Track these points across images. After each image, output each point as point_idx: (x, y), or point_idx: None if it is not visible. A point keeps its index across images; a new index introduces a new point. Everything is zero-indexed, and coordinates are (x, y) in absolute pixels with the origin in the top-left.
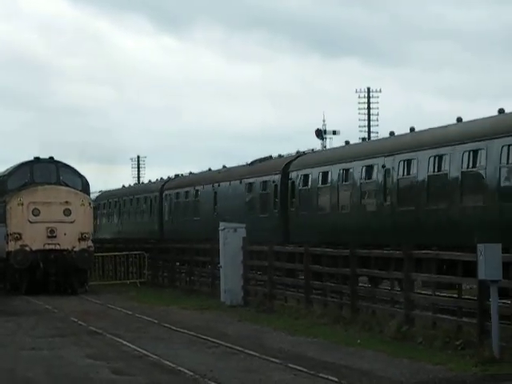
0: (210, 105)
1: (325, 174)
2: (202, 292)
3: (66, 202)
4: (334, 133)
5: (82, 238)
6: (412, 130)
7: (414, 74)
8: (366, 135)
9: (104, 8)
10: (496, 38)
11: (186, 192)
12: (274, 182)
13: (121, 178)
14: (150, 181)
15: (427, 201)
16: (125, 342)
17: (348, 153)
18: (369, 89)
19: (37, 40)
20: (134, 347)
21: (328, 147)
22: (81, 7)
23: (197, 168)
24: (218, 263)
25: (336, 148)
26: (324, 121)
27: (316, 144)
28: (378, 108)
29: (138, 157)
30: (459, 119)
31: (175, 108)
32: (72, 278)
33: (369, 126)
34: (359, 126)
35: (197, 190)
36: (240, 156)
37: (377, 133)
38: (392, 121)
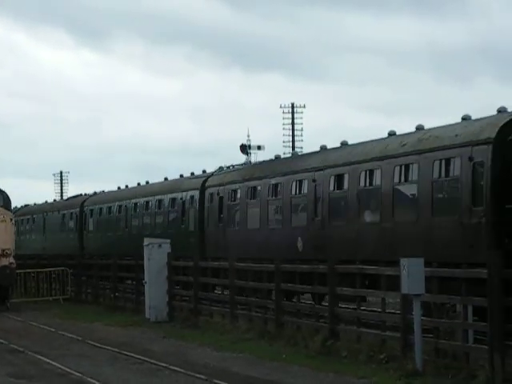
0: (132, 119)
1: (254, 189)
2: (127, 308)
3: None
4: (259, 148)
5: (2, 255)
6: (344, 144)
7: (337, 89)
8: (290, 150)
9: (19, 21)
10: (418, 52)
11: (109, 207)
12: (192, 197)
13: (44, 193)
14: (68, 197)
15: (358, 215)
16: (47, 360)
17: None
18: (293, 104)
19: None
20: (57, 365)
21: (253, 161)
22: None
23: (122, 182)
24: (143, 279)
25: (262, 162)
26: (248, 136)
27: (241, 159)
28: (302, 123)
29: (61, 172)
30: (392, 133)
31: (96, 122)
32: None
33: (293, 141)
34: (283, 142)
35: (120, 206)
36: (165, 170)
37: (301, 148)
38: (316, 136)
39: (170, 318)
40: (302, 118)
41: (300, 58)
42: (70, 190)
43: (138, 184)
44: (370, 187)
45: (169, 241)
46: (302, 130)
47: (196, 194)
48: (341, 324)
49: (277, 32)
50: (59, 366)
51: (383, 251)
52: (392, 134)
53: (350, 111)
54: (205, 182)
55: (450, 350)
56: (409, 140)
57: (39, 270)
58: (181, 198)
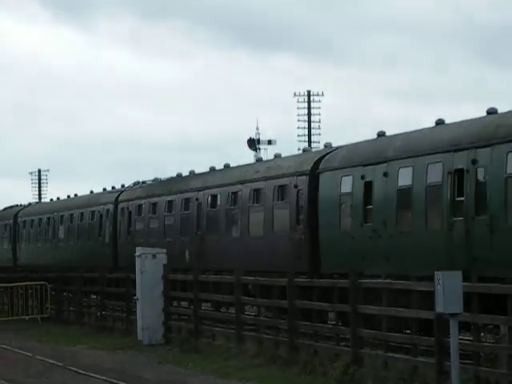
0: (120, 109)
1: (154, 205)
2: (116, 329)
3: None
4: (270, 142)
5: None
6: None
7: (361, 74)
8: (306, 145)
9: None
10: (453, 32)
11: (40, 219)
12: (107, 211)
13: (19, 194)
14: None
15: (226, 231)
16: None
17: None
18: (309, 92)
19: None
20: None
21: (264, 159)
22: None
23: (109, 182)
24: (134, 295)
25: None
26: (258, 128)
27: (249, 155)
28: (319, 114)
29: (39, 170)
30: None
31: (79, 112)
32: None
33: (309, 134)
34: (298, 135)
35: (48, 218)
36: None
37: (318, 142)
38: (336, 128)
39: (166, 341)
40: (319, 107)
41: (317, 38)
42: (50, 192)
43: (68, 196)
44: (234, 207)
45: (165, 250)
46: (319, 121)
47: (111, 207)
48: (365, 348)
49: (290, 6)
50: None
51: (244, 261)
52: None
53: (374, 99)
54: (118, 196)
55: (493, 378)
56: (261, 168)
57: (13, 284)
58: (99, 212)
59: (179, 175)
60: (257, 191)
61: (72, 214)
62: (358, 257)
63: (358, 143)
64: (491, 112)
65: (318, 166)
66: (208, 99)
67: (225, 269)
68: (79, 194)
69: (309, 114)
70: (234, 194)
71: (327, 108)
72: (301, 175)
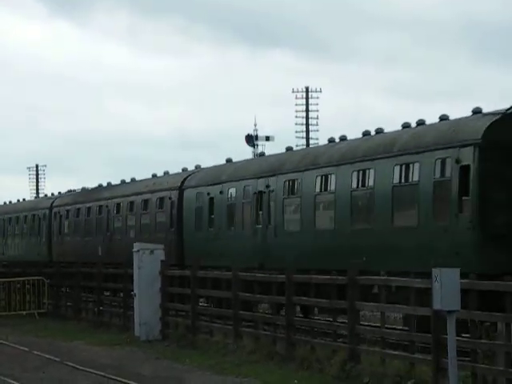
0: (117, 105)
1: (78, 210)
2: (113, 325)
3: None
4: (268, 139)
5: None
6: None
7: (359, 70)
8: (304, 141)
9: None
10: (452, 29)
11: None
12: (44, 214)
13: (17, 190)
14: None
15: (126, 232)
16: None
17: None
18: (307, 88)
19: None
20: None
21: (269, 154)
22: None
23: (105, 178)
24: (132, 291)
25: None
26: (255, 125)
27: (247, 151)
28: (317, 110)
29: (37, 166)
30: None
31: (75, 108)
32: None
33: (307, 130)
34: (296, 132)
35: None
36: (156, 165)
37: (317, 139)
38: (334, 125)
39: (164, 337)
40: (317, 104)
41: (315, 33)
42: (48, 187)
43: (24, 199)
44: (131, 213)
45: (162, 246)
46: (317, 117)
47: (47, 212)
48: (362, 344)
49: (289, 2)
50: None
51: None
52: (261, 154)
53: (372, 96)
54: (52, 203)
55: (490, 375)
56: (149, 184)
57: (11, 279)
58: (38, 215)
59: (100, 185)
60: (145, 201)
61: (18, 217)
62: (206, 253)
63: (209, 168)
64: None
65: (183, 183)
66: (206, 96)
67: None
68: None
69: (307, 110)
70: (131, 203)
71: (325, 104)
72: (173, 190)
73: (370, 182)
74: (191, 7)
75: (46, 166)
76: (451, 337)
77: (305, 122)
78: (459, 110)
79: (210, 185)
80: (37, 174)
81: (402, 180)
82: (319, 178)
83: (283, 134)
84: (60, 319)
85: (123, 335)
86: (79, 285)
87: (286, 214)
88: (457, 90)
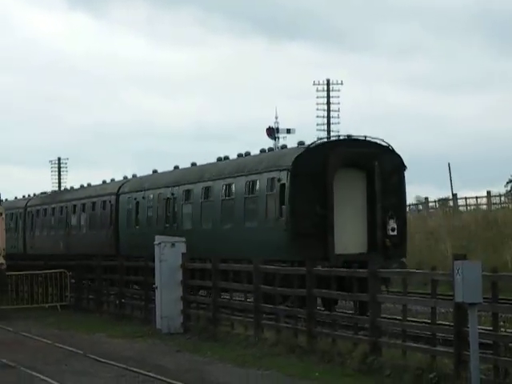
0: (135, 97)
1: (45, 210)
2: (135, 317)
3: None
4: (289, 131)
5: None
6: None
7: (380, 62)
8: (325, 134)
9: None
10: (471, 20)
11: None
12: (20, 213)
13: (40, 182)
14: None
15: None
16: (43, 377)
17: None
18: (328, 81)
19: None
20: (54, 383)
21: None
22: None
23: (126, 172)
24: (153, 283)
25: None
26: (277, 117)
27: (268, 143)
28: (338, 103)
29: (59, 159)
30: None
31: (94, 100)
32: None
33: (328, 123)
34: (317, 124)
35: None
36: (176, 157)
37: (338, 131)
38: (355, 117)
39: (185, 329)
40: (338, 96)
41: (336, 24)
42: (70, 180)
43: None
44: (84, 213)
45: (184, 239)
46: (338, 110)
47: (22, 211)
48: (383, 337)
49: None
50: (56, 383)
51: (87, 248)
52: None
53: (393, 88)
54: (27, 203)
55: None
56: (97, 189)
57: (33, 272)
58: (15, 214)
59: (66, 189)
60: (93, 203)
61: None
62: (134, 245)
63: (137, 177)
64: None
65: (119, 190)
66: (224, 88)
67: (79, 253)
68: (94, 183)
69: (328, 103)
70: (83, 204)
71: (346, 96)
72: (112, 195)
73: (232, 194)
74: None
75: (68, 159)
76: (473, 329)
77: (326, 115)
78: (473, 100)
79: (137, 191)
80: (59, 167)
81: (250, 193)
82: (204, 189)
83: (304, 127)
84: (82, 312)
85: (145, 328)
86: (101, 277)
87: (184, 216)
88: (476, 81)
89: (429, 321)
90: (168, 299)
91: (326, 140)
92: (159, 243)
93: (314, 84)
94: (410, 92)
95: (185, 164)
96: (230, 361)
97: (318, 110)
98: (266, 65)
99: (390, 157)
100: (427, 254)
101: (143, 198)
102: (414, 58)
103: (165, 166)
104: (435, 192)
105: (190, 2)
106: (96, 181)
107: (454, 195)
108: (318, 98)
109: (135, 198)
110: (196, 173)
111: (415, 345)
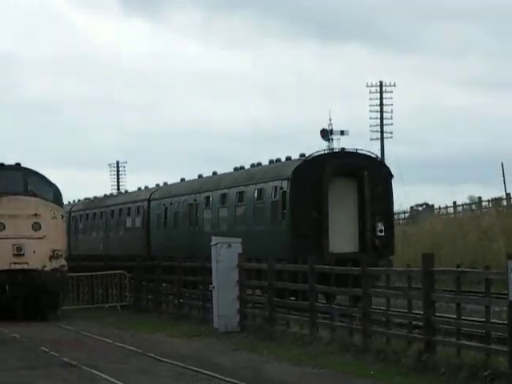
0: (192, 100)
1: (87, 215)
2: (192, 317)
3: (35, 215)
4: (342, 133)
5: (53, 256)
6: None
7: (432, 63)
8: (378, 135)
9: None
10: None
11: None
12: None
13: (99, 185)
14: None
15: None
16: (104, 376)
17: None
18: (381, 83)
19: None
20: (114, 381)
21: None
22: None
23: (183, 174)
24: (210, 283)
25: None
26: (330, 119)
27: (322, 145)
28: (391, 104)
29: (118, 162)
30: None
31: (152, 104)
32: (42, 302)
33: (381, 125)
34: (370, 126)
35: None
36: (232, 159)
37: (391, 133)
38: (408, 118)
39: (242, 328)
40: (391, 98)
41: (387, 26)
42: (129, 183)
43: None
44: (119, 218)
45: (240, 240)
46: (391, 111)
47: (67, 216)
48: (438, 335)
49: None
50: (116, 381)
51: (116, 249)
52: (138, 188)
53: (447, 89)
54: (71, 209)
55: None
56: (132, 195)
57: (93, 273)
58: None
59: (106, 195)
60: (129, 209)
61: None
62: (162, 246)
63: (165, 186)
64: None
65: (151, 196)
66: (280, 90)
67: (116, 254)
68: (151, 186)
69: (381, 104)
70: (120, 209)
71: (399, 97)
72: (144, 201)
73: (243, 200)
74: (263, 1)
75: (126, 162)
76: None
77: (379, 116)
78: None
79: (166, 198)
80: (117, 171)
81: (258, 199)
82: (220, 196)
83: (358, 128)
84: (141, 312)
85: (202, 327)
86: (159, 278)
87: (204, 220)
88: None
89: (483, 319)
90: (225, 299)
91: (321, 153)
92: (216, 244)
93: (367, 86)
94: (463, 92)
95: (243, 163)
96: (286, 359)
97: (371, 111)
98: (319, 67)
99: (378, 167)
100: (481, 253)
101: (171, 203)
102: (467, 58)
103: (221, 168)
104: (488, 192)
105: (244, 6)
106: (152, 183)
107: (508, 194)
108: (370, 99)
109: (164, 204)
110: (215, 181)
111: (470, 343)
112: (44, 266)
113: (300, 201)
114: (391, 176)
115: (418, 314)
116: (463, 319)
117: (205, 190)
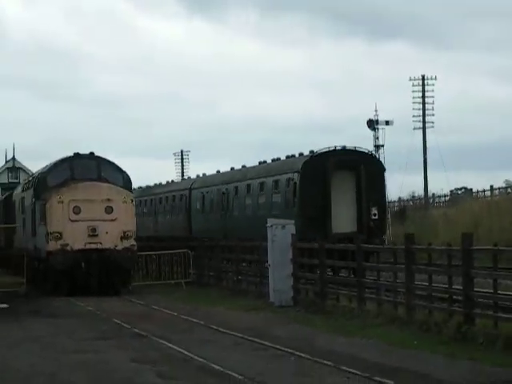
0: (249, 95)
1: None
2: (250, 292)
3: (108, 200)
4: (387, 123)
5: (124, 237)
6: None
7: (472, 58)
8: (420, 125)
9: None
10: None
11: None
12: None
13: (165, 172)
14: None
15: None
16: (170, 345)
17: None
18: (423, 76)
19: (63, 26)
20: (180, 350)
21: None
22: None
23: (240, 161)
24: (266, 261)
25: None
26: (376, 110)
27: (368, 135)
28: (433, 97)
29: (182, 151)
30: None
31: (213, 98)
32: (114, 279)
33: (423, 115)
34: (413, 116)
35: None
36: (286, 148)
37: (432, 123)
38: (448, 109)
39: (295, 303)
40: (433, 90)
41: (429, 23)
42: (192, 170)
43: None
44: (166, 203)
45: (293, 221)
46: (433, 103)
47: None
48: (476, 308)
49: None
50: (182, 351)
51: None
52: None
53: (485, 82)
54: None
55: None
56: (176, 185)
57: (160, 252)
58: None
59: (155, 184)
60: (174, 196)
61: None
62: (202, 228)
63: (204, 176)
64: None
65: (192, 186)
66: (328, 84)
67: (164, 235)
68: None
69: (423, 97)
70: (167, 197)
71: (440, 90)
72: (186, 190)
73: (263, 189)
74: (313, 1)
75: (189, 151)
76: None
77: (421, 108)
78: None
79: (203, 187)
80: (181, 159)
81: (275, 189)
82: (246, 186)
83: (401, 119)
84: (203, 287)
85: (259, 301)
86: (220, 256)
87: (234, 206)
88: None
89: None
90: (279, 275)
91: (326, 150)
92: (271, 225)
93: (409, 79)
94: (499, 84)
95: (296, 151)
96: (336, 331)
97: (413, 103)
98: (365, 62)
99: (372, 162)
100: None
101: (207, 192)
102: (508, 51)
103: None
104: None
105: (295, 7)
106: (213, 170)
107: None
108: (413, 92)
109: (202, 192)
110: (242, 173)
111: (506, 315)
112: (116, 246)
113: (308, 190)
114: (384, 169)
115: (457, 289)
116: (500, 294)
117: (234, 180)
